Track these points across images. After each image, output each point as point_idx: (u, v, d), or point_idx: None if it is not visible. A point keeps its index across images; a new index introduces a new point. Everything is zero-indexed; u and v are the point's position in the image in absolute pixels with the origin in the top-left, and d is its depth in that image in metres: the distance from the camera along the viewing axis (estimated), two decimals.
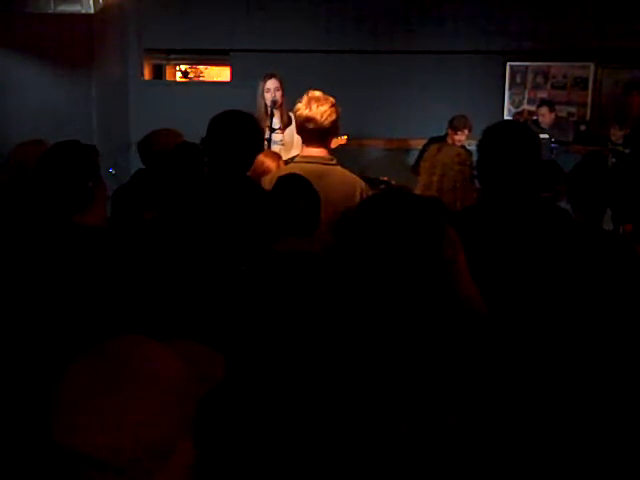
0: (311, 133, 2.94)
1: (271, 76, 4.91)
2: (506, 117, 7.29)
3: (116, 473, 0.87)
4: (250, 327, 2.11)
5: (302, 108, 2.94)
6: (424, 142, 6.12)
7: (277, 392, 1.75)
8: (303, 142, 3.03)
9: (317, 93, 3.00)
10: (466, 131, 6.11)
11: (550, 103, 6.79)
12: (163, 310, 2.31)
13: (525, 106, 7.36)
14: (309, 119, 2.91)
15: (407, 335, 1.15)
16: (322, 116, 2.91)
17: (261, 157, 3.84)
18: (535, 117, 6.86)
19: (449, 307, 1.17)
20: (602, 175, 2.84)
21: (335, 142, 3.15)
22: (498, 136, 2.35)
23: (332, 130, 2.98)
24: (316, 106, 2.92)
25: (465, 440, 1.16)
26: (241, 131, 2.79)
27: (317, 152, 2.97)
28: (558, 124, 6.69)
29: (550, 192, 3.43)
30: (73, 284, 2.14)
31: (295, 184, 2.48)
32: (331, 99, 2.99)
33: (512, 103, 7.35)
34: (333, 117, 2.94)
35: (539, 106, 6.85)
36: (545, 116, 6.64)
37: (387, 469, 1.14)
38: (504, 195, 2.31)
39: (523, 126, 2.51)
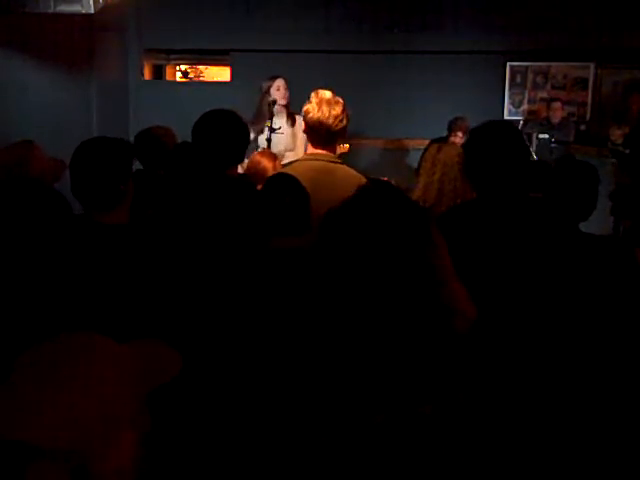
0: (321, 136, 2.93)
1: (279, 76, 4.98)
2: (506, 117, 7.29)
3: (53, 460, 0.91)
4: (242, 323, 2.11)
5: (314, 111, 2.90)
6: (424, 142, 6.10)
7: (256, 386, 1.76)
8: (310, 142, 3.03)
9: (327, 94, 2.95)
10: (460, 133, 6.09)
11: (562, 101, 6.82)
12: (157, 307, 2.31)
13: (525, 106, 7.35)
14: (321, 123, 2.88)
15: (385, 330, 1.16)
16: (334, 121, 2.89)
17: (257, 157, 3.86)
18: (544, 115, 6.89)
19: (432, 307, 1.17)
20: (576, 181, 2.78)
21: (338, 149, 3.14)
22: (483, 136, 2.35)
23: (342, 134, 2.97)
24: (328, 110, 2.88)
25: (444, 432, 1.16)
26: (223, 129, 2.80)
27: (324, 151, 2.97)
28: (561, 123, 6.70)
29: (540, 192, 3.40)
30: (98, 282, 2.14)
31: (281, 182, 2.49)
32: (341, 101, 2.95)
33: (512, 103, 7.35)
34: (344, 123, 2.92)
35: (552, 101, 6.84)
36: (557, 111, 6.65)
37: (365, 460, 1.14)
38: (491, 195, 2.32)
39: (509, 126, 2.50)
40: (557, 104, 6.74)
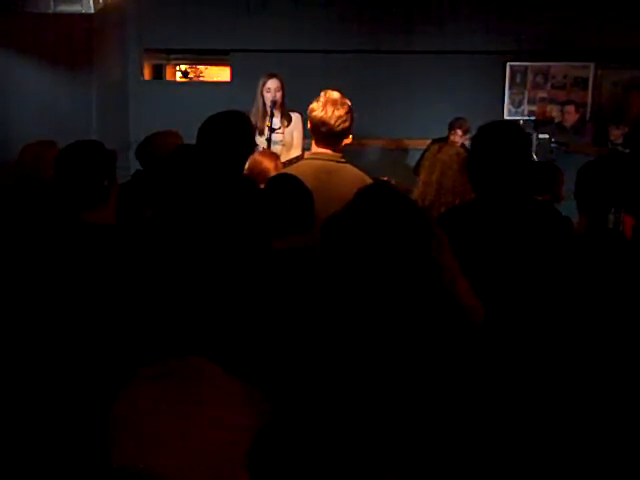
0: (323, 135, 2.95)
1: (273, 75, 4.94)
2: (506, 117, 7.29)
3: None
4: (245, 324, 2.11)
5: (318, 109, 2.93)
6: (424, 142, 6.11)
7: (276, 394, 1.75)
8: (314, 141, 3.05)
9: (335, 95, 2.97)
10: (459, 131, 6.12)
11: (577, 103, 6.77)
12: (164, 308, 2.31)
13: (525, 106, 7.35)
14: (323, 123, 2.91)
15: (394, 336, 1.15)
16: (336, 122, 2.91)
17: (259, 157, 3.86)
18: (553, 118, 6.86)
19: (442, 311, 1.17)
20: (611, 178, 2.79)
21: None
22: (488, 136, 2.35)
23: (344, 135, 2.99)
24: (332, 110, 2.91)
25: (462, 441, 1.16)
26: (228, 131, 2.79)
27: (326, 150, 3.00)
28: (575, 126, 6.65)
29: (548, 194, 3.41)
30: (82, 281, 2.15)
31: (284, 183, 2.49)
32: (348, 103, 2.97)
33: (512, 103, 7.34)
34: (347, 124, 2.95)
35: (565, 104, 6.80)
36: (571, 114, 6.61)
37: (384, 469, 1.14)
38: (493, 196, 2.31)
39: (515, 126, 2.50)
40: (571, 107, 6.64)
